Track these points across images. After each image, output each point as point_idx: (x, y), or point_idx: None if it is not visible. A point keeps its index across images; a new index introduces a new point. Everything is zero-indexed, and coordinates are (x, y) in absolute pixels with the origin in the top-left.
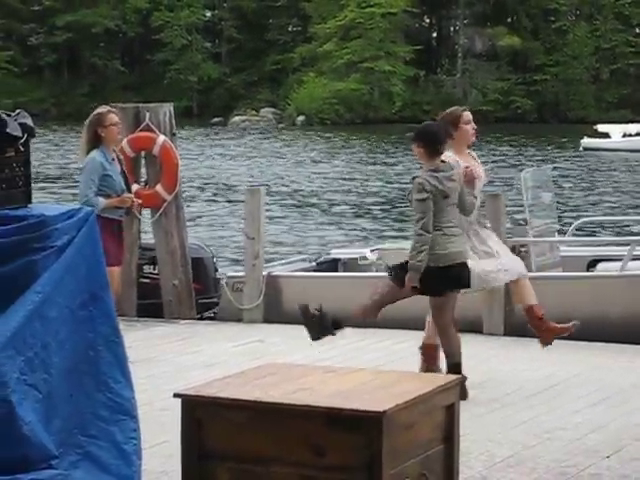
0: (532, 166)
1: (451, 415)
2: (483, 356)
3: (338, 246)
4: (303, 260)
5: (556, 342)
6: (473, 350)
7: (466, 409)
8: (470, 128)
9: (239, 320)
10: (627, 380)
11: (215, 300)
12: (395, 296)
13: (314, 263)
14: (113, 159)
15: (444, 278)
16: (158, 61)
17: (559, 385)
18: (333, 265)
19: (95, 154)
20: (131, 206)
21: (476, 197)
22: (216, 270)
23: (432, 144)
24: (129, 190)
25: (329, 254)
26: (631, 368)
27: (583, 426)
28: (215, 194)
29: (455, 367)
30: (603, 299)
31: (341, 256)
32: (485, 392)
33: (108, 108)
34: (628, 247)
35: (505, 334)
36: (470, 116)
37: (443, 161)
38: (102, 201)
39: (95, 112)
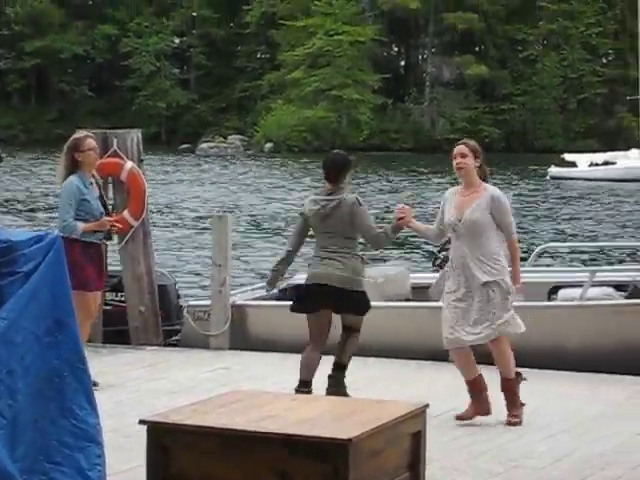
0: (510, 192)
1: (417, 442)
2: (451, 385)
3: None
4: (263, 288)
5: (521, 370)
6: (442, 379)
7: (433, 436)
8: (454, 163)
9: (202, 347)
10: (590, 409)
11: (177, 327)
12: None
13: (276, 291)
14: (91, 183)
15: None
16: (126, 87)
17: (524, 414)
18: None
19: (72, 179)
20: (110, 230)
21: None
22: (178, 297)
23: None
24: (108, 214)
25: (292, 281)
26: (593, 397)
27: (548, 455)
28: (180, 220)
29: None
30: (562, 328)
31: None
32: (452, 420)
33: (85, 133)
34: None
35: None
36: (456, 150)
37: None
38: (80, 225)
39: (72, 137)
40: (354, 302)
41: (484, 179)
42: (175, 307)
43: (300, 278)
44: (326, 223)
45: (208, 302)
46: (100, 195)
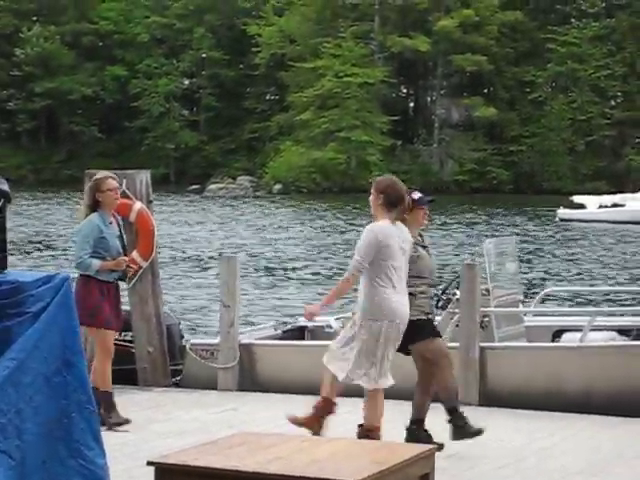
0: (507, 235)
1: None
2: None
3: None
4: (270, 328)
5: (529, 412)
6: (440, 419)
7: (441, 479)
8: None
9: (203, 387)
10: (601, 452)
11: (180, 367)
12: None
13: (280, 331)
14: (111, 222)
15: None
16: (136, 128)
17: (532, 457)
18: (300, 333)
19: (93, 216)
20: (127, 270)
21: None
22: (182, 337)
23: None
24: (125, 254)
25: (296, 322)
26: (603, 439)
27: None
28: (187, 261)
29: None
30: (563, 370)
31: (308, 324)
32: (458, 462)
33: (107, 174)
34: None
35: (480, 404)
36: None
37: None
38: (96, 263)
39: (95, 177)
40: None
41: (402, 219)
42: (179, 347)
43: (304, 321)
44: None
45: (211, 341)
46: (120, 235)
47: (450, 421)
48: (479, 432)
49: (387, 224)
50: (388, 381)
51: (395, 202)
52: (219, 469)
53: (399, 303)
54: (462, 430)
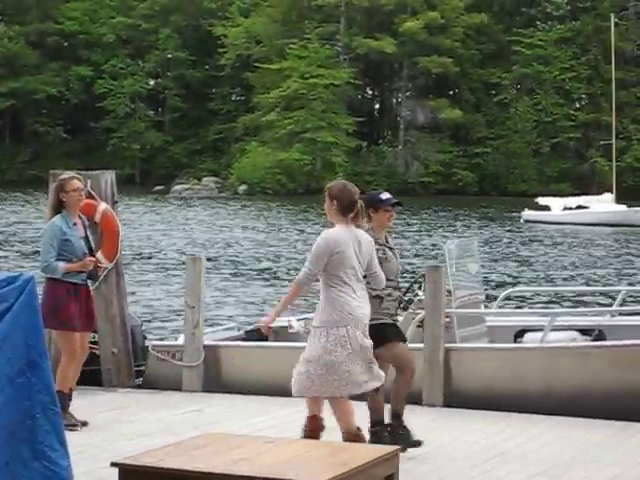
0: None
1: None
2: (422, 427)
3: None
4: (231, 329)
5: (492, 413)
6: (413, 421)
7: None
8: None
9: (166, 389)
10: (564, 452)
11: (142, 369)
12: None
13: (243, 332)
14: (75, 223)
15: None
16: (101, 129)
17: (498, 457)
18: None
19: (55, 219)
20: (94, 270)
21: None
22: (144, 338)
23: None
24: (92, 255)
25: (259, 322)
26: (567, 440)
27: None
28: (152, 262)
29: None
30: (523, 370)
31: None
32: (424, 463)
33: (72, 174)
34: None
35: (444, 405)
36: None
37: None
38: (62, 266)
39: (59, 178)
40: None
41: (358, 223)
42: (141, 348)
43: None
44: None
45: (173, 342)
46: (85, 236)
47: (390, 426)
48: (417, 444)
49: (341, 230)
50: (369, 384)
51: (348, 207)
52: (184, 470)
53: (359, 308)
54: (401, 437)
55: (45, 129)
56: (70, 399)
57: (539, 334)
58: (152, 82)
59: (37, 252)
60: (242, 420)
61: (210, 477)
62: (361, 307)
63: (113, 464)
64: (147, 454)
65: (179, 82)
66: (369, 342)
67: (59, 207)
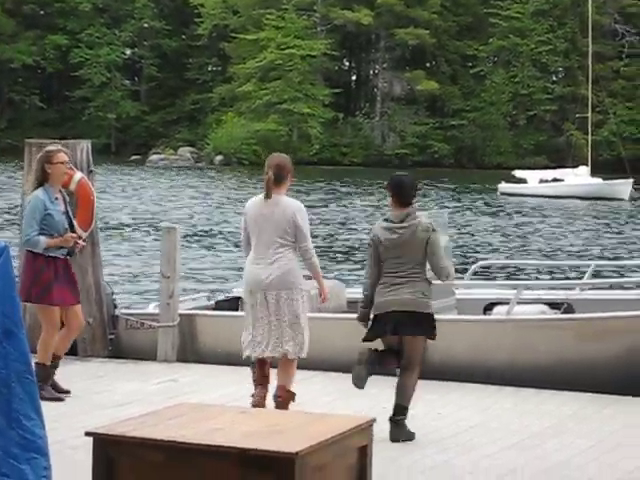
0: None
1: (364, 457)
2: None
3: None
4: (203, 298)
5: (469, 385)
6: (388, 393)
7: (379, 451)
8: None
9: (137, 358)
10: (536, 424)
11: (112, 337)
12: None
13: (213, 302)
14: (57, 198)
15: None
16: (77, 98)
17: (472, 429)
18: (234, 304)
19: (38, 193)
20: (74, 246)
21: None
22: (115, 307)
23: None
24: (72, 230)
25: (230, 292)
26: (540, 412)
27: (494, 470)
28: (127, 231)
29: None
30: (489, 343)
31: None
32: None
33: (58, 147)
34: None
35: (420, 377)
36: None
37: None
38: (44, 240)
39: (45, 149)
40: (415, 322)
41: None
42: (112, 317)
43: (239, 292)
44: (401, 250)
45: (144, 310)
46: (66, 211)
47: (393, 419)
48: (411, 437)
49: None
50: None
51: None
52: (158, 440)
53: None
54: (402, 432)
55: (21, 98)
56: (56, 367)
57: (507, 307)
58: (128, 51)
59: (11, 222)
60: (217, 390)
61: (184, 447)
62: None
63: (87, 433)
64: (121, 424)
65: (155, 51)
66: None
67: (43, 179)
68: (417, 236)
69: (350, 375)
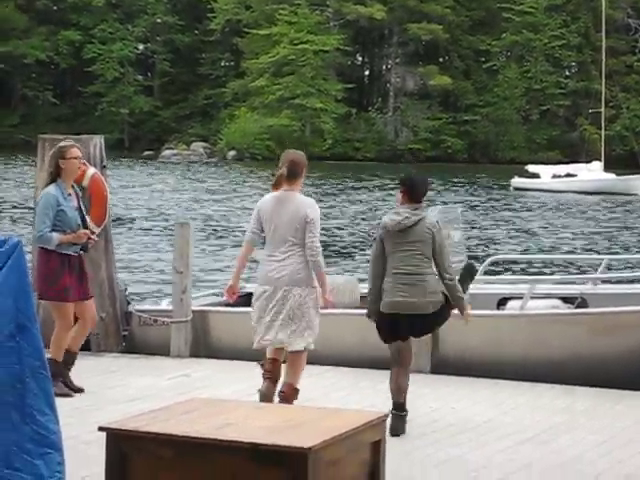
0: (454, 204)
1: (377, 452)
2: (410, 394)
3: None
4: (215, 295)
5: (482, 380)
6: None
7: (392, 446)
8: None
9: (151, 354)
10: (549, 420)
11: (125, 333)
12: None
13: (225, 298)
14: (69, 194)
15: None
16: (90, 93)
17: (486, 423)
18: (247, 300)
19: (51, 189)
20: (87, 242)
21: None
22: (128, 303)
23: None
24: (85, 226)
25: (243, 288)
26: (553, 407)
27: (508, 465)
28: (140, 227)
29: None
30: (503, 338)
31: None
32: (412, 429)
33: (72, 142)
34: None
35: (431, 372)
36: None
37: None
38: (57, 237)
39: (59, 145)
40: (426, 324)
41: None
42: (125, 313)
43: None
44: (407, 237)
45: (157, 307)
46: (79, 207)
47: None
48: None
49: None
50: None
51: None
52: (171, 435)
53: None
54: (403, 425)
55: (34, 93)
56: (73, 363)
57: (521, 302)
58: (141, 47)
59: (25, 218)
60: (230, 385)
61: (197, 442)
62: None
63: (100, 428)
64: (134, 419)
65: (168, 47)
66: None
67: (56, 174)
68: (423, 225)
69: (361, 371)
